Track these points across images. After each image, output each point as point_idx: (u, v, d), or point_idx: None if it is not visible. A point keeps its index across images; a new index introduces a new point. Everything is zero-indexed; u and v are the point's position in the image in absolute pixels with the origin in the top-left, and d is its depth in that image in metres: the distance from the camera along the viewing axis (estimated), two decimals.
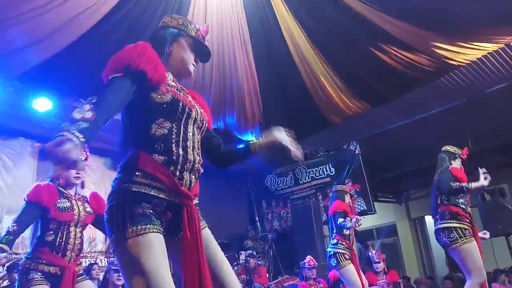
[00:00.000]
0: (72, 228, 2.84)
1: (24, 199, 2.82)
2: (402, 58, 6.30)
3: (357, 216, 4.58)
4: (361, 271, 4.76)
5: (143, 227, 1.42)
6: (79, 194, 3.04)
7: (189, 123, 1.62)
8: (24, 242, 6.33)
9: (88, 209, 3.01)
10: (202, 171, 1.66)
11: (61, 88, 6.01)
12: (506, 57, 6.15)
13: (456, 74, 6.65)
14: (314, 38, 6.45)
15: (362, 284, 4.58)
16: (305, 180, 9.41)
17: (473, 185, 3.65)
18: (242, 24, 6.35)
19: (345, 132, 8.57)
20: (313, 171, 9.28)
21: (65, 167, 2.89)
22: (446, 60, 6.22)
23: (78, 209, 2.91)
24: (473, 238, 3.67)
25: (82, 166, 2.98)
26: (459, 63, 6.33)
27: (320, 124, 8.13)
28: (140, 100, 1.54)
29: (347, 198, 4.95)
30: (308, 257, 6.12)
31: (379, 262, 6.33)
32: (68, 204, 2.86)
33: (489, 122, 7.15)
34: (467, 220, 3.74)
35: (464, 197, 3.81)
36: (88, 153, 3.07)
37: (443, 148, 4.14)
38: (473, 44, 5.88)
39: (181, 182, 1.54)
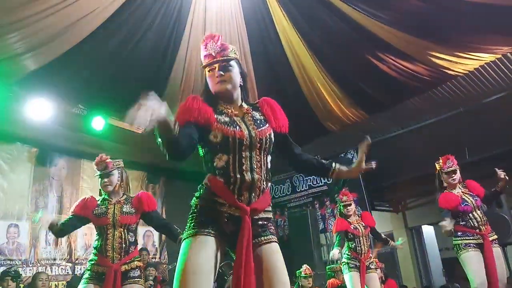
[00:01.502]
0: (110, 230, 3.15)
1: None
2: (399, 67, 6.33)
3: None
4: (368, 280, 4.78)
5: (197, 230, 1.78)
6: (123, 197, 3.34)
7: (243, 150, 1.84)
8: (19, 249, 6.30)
9: (127, 209, 3.26)
10: (264, 187, 1.89)
11: (59, 94, 6.02)
12: (503, 67, 6.19)
13: (453, 84, 6.68)
14: (313, 46, 6.48)
15: None
16: (302, 188, 9.39)
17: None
18: (241, 32, 6.38)
19: (343, 140, 8.57)
20: (310, 179, 9.26)
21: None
22: (443, 70, 6.25)
23: (114, 212, 3.20)
24: (468, 249, 3.86)
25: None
26: (456, 73, 6.36)
27: (318, 131, 8.13)
28: (203, 143, 1.87)
29: (344, 210, 4.93)
30: (304, 266, 6.10)
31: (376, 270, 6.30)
32: (104, 209, 3.22)
33: (486, 131, 7.16)
34: (469, 234, 3.90)
35: (464, 215, 3.94)
36: (108, 161, 3.34)
37: None
38: (470, 54, 5.92)
39: (240, 198, 1.82)
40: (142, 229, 7.83)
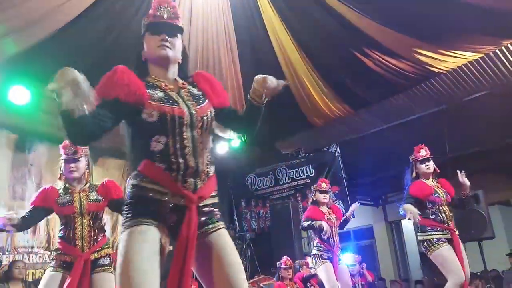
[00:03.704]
0: (77, 219, 3.05)
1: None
2: (384, 63, 6.38)
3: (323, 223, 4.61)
4: (339, 273, 4.79)
5: (139, 219, 1.58)
6: (87, 185, 3.23)
7: (184, 130, 1.66)
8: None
9: (94, 197, 3.18)
10: (209, 171, 1.72)
11: (39, 79, 5.88)
12: (485, 66, 6.28)
13: (436, 81, 6.76)
14: (299, 39, 6.47)
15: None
16: (285, 180, 9.43)
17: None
18: (228, 22, 6.33)
19: (326, 135, 8.63)
20: (293, 172, 9.30)
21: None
22: (427, 67, 6.32)
23: (80, 200, 3.10)
24: (443, 244, 3.84)
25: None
26: (440, 70, 6.43)
27: (302, 125, 8.16)
28: (135, 123, 1.65)
29: (319, 196, 4.96)
30: (285, 257, 6.14)
31: (354, 265, 6.40)
32: (69, 198, 3.09)
33: (466, 129, 7.28)
34: (437, 228, 3.89)
35: (434, 207, 3.95)
36: (78, 147, 3.20)
37: None
38: (454, 52, 5.99)
39: (184, 185, 1.64)
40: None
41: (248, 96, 1.80)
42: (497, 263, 7.96)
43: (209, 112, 1.75)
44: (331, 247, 4.75)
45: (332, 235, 4.81)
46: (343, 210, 8.28)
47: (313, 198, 5.03)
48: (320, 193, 4.96)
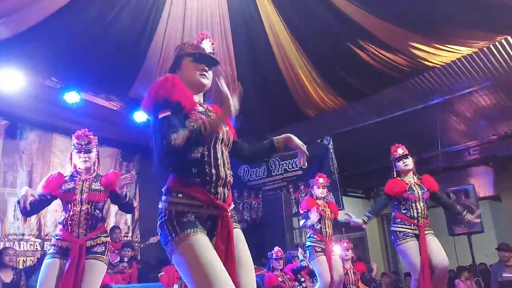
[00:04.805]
0: (77, 206, 3.15)
1: None
2: (379, 56, 6.36)
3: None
4: (332, 264, 4.85)
5: (190, 231, 1.69)
6: (93, 175, 3.33)
7: (217, 144, 1.85)
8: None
9: (95, 187, 3.26)
10: (232, 182, 1.91)
11: (31, 65, 5.81)
12: (479, 61, 6.31)
13: (430, 75, 6.78)
14: (294, 30, 6.43)
15: (331, 276, 4.72)
16: (277, 172, 9.46)
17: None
18: (223, 13, 6.28)
19: (320, 126, 8.64)
20: (286, 163, 9.32)
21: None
22: (421, 61, 6.32)
23: (82, 188, 3.20)
24: (408, 239, 3.91)
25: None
26: (434, 65, 6.44)
27: (295, 116, 8.15)
28: None
29: (316, 191, 5.05)
30: (276, 248, 6.17)
31: (347, 250, 6.55)
32: (72, 185, 3.21)
33: (459, 123, 7.33)
34: (407, 223, 3.97)
35: (407, 204, 4.01)
36: (91, 137, 3.31)
37: None
38: (448, 47, 5.99)
39: (216, 196, 1.79)
40: (115, 207, 7.74)
41: (277, 140, 2.12)
42: (485, 257, 8.07)
43: (231, 135, 2.00)
44: (324, 238, 4.82)
45: (325, 226, 4.89)
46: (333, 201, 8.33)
47: (311, 191, 5.17)
48: (317, 188, 5.05)
